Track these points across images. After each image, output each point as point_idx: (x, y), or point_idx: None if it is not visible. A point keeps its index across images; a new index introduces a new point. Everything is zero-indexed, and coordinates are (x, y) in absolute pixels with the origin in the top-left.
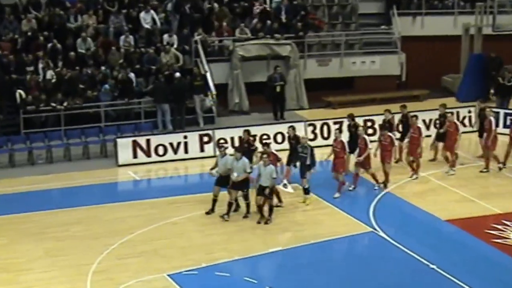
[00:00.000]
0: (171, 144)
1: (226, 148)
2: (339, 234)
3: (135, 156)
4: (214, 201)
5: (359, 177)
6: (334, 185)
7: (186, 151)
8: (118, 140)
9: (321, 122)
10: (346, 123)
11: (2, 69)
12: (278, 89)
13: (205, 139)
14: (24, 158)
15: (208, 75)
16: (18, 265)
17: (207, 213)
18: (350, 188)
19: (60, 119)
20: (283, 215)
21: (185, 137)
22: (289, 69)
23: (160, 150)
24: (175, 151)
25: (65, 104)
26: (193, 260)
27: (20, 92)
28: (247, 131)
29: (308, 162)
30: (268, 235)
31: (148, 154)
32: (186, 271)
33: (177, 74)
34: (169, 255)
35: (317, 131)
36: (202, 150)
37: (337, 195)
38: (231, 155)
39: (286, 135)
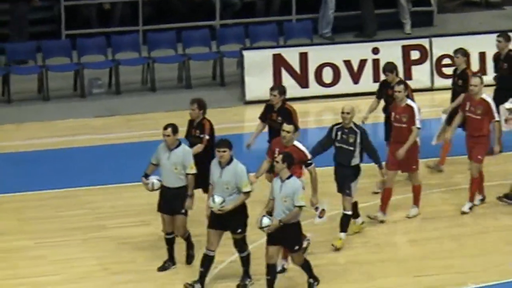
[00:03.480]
0: (347, 63)
1: (173, 130)
2: None
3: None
4: (169, 242)
5: None
6: None
7: (376, 78)
8: (246, 53)
9: None
10: None
11: None
12: None
13: (414, 55)
14: (66, 84)
15: None
16: None
17: (161, 268)
18: None
19: (136, 10)
20: None
21: (376, 50)
22: None
23: (327, 75)
24: (356, 78)
25: None
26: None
27: None
28: (198, 102)
29: (356, 161)
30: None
31: (303, 82)
32: None
33: None
34: (347, 274)
35: None
36: (407, 76)
37: None
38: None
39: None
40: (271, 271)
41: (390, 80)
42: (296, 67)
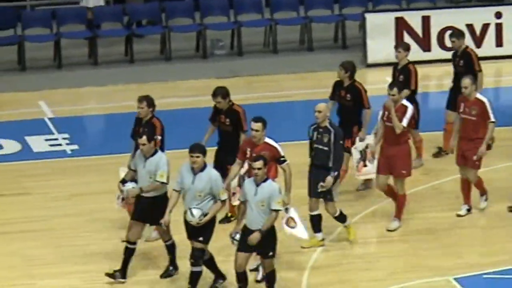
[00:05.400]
0: (469, 27)
1: (148, 138)
2: None
3: None
4: (129, 252)
5: None
6: None
7: (499, 42)
8: (368, 16)
9: None
10: None
11: None
12: None
13: None
14: (189, 44)
15: None
16: None
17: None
18: None
19: None
20: None
21: (498, 14)
22: None
23: (449, 39)
24: (478, 42)
25: None
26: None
27: None
28: (147, 99)
29: (329, 163)
30: None
31: (425, 46)
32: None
33: None
34: (467, 243)
35: None
36: None
37: None
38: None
39: None
40: (241, 279)
41: (341, 79)
42: (419, 30)
